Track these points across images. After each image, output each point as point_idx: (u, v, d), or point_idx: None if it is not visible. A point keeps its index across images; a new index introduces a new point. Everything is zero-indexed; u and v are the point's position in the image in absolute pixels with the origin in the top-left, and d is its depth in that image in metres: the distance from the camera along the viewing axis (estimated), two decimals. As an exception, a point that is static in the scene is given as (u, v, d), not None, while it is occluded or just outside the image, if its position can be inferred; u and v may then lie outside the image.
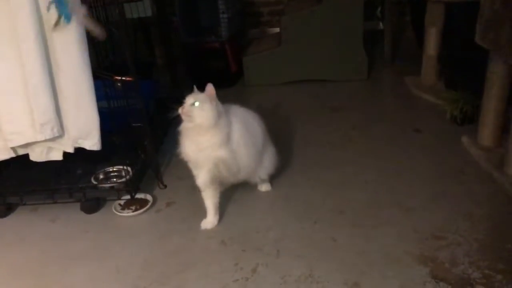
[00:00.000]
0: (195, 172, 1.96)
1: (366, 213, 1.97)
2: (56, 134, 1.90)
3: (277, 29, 3.78)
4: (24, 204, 2.16)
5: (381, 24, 4.11)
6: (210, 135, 1.85)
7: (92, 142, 1.93)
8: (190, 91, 1.87)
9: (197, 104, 1.81)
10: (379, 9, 4.17)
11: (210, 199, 1.97)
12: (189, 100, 1.83)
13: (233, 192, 2.11)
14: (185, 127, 1.87)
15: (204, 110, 1.82)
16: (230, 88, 3.43)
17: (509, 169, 2.03)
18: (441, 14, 2.89)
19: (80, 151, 2.01)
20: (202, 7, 3.35)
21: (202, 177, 1.91)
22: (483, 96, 2.23)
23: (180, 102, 1.82)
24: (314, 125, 2.81)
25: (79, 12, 1.74)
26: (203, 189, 1.95)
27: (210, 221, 1.98)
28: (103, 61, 2.02)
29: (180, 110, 1.82)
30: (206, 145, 1.85)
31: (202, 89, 1.77)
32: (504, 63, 2.06)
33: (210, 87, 1.84)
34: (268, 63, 3.43)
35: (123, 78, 1.88)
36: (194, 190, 2.21)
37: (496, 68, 2.12)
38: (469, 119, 2.54)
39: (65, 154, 2.02)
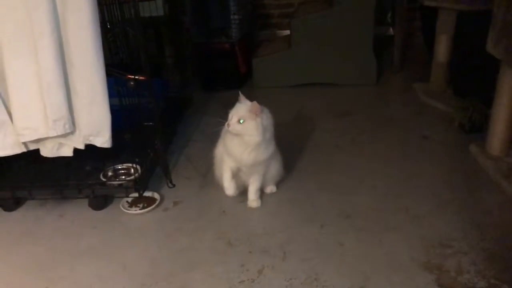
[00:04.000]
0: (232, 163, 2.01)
1: (373, 218, 1.98)
2: (68, 131, 1.91)
3: (287, 32, 3.78)
4: (33, 199, 2.17)
5: (391, 29, 4.11)
6: (262, 150, 1.95)
7: (103, 140, 1.94)
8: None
9: (241, 121, 1.88)
10: (389, 14, 4.17)
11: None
12: (234, 116, 1.89)
13: (240, 194, 2.12)
14: (231, 140, 1.95)
15: (249, 128, 1.89)
16: (239, 89, 3.42)
17: (517, 179, 2.03)
18: (452, 22, 2.88)
19: (89, 148, 2.02)
20: (213, 8, 3.36)
21: (258, 180, 2.06)
22: (493, 105, 2.23)
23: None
24: (322, 129, 2.82)
25: None
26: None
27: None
28: (115, 58, 2.04)
29: (226, 126, 1.89)
30: (260, 159, 1.97)
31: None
32: (515, 73, 2.06)
33: (254, 106, 1.89)
34: (277, 65, 3.44)
35: (136, 77, 1.89)
36: (202, 190, 2.25)
37: (507, 78, 2.12)
38: (477, 127, 2.53)
39: (75, 150, 2.03)
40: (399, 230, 1.89)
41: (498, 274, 1.64)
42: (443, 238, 1.83)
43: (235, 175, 2.05)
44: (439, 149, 2.51)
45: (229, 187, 2.04)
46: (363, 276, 1.68)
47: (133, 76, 1.89)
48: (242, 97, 1.95)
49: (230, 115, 1.90)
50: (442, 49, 3.00)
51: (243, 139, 1.91)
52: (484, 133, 2.36)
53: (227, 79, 3.41)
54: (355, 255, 1.78)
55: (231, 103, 1.96)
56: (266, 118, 1.92)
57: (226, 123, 1.90)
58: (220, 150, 2.09)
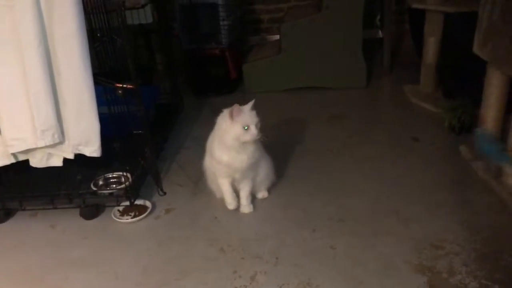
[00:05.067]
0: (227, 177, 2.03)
1: (364, 222, 1.98)
2: (57, 141, 1.90)
3: (277, 36, 3.79)
4: (24, 209, 2.16)
5: (380, 32, 4.13)
6: (256, 147, 1.97)
7: (92, 149, 1.94)
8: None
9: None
10: (378, 17, 4.19)
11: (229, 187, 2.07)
12: (255, 125, 1.88)
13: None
14: (249, 143, 1.92)
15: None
16: (230, 95, 3.44)
17: (507, 179, 2.04)
18: (440, 24, 2.90)
19: (79, 157, 2.01)
20: (203, 14, 3.37)
21: (248, 185, 2.07)
22: (481, 106, 2.25)
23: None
24: (313, 133, 2.82)
25: None
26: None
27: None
28: (103, 67, 2.03)
29: (256, 137, 1.88)
30: (256, 157, 1.99)
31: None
32: (502, 74, 2.07)
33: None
34: (268, 70, 3.44)
35: (125, 85, 1.89)
36: (194, 197, 2.24)
37: (493, 79, 2.13)
38: (467, 128, 2.55)
39: (65, 159, 2.02)
40: (391, 233, 1.90)
41: (489, 274, 1.65)
42: (435, 240, 1.83)
43: (232, 186, 2.06)
44: (429, 151, 2.52)
45: (233, 202, 2.07)
46: (356, 280, 1.68)
47: (121, 85, 1.88)
48: (237, 107, 1.90)
49: (252, 127, 1.87)
50: (430, 51, 3.02)
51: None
52: (474, 134, 2.37)
53: (218, 85, 3.41)
54: (348, 259, 1.78)
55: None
56: None
57: (253, 136, 1.88)
58: (210, 164, 2.09)
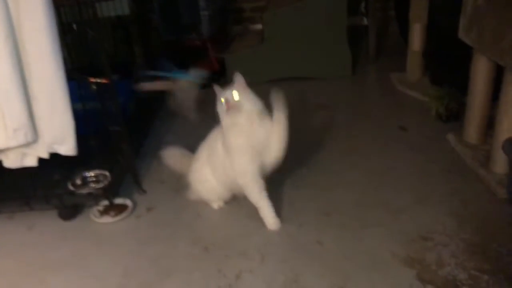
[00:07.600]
0: (253, 162, 1.87)
1: (352, 215, 1.94)
2: (30, 140, 1.82)
3: (260, 26, 3.72)
4: (0, 212, 2.08)
5: (365, 19, 4.07)
6: (267, 119, 1.86)
7: (68, 147, 1.86)
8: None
9: (236, 95, 1.81)
10: (363, 4, 4.14)
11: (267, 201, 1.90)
12: (226, 95, 1.81)
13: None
14: (236, 122, 1.82)
15: (246, 98, 1.83)
16: (212, 87, 3.35)
17: (495, 167, 2.01)
18: (425, 10, 2.85)
19: (56, 156, 1.94)
20: (182, 4, 3.28)
21: (277, 153, 1.90)
22: (468, 93, 2.21)
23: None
24: (298, 124, 2.74)
25: None
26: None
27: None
28: (80, 61, 1.95)
29: (223, 107, 1.78)
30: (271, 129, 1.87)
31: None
32: (488, 60, 2.03)
33: (239, 77, 1.85)
34: (251, 61, 3.37)
35: (98, 80, 1.81)
36: (176, 194, 2.18)
37: (479, 64, 2.09)
38: (454, 116, 2.51)
39: (41, 159, 1.94)
40: (379, 225, 1.86)
41: (478, 264, 1.62)
42: (423, 231, 1.80)
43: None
44: (417, 140, 2.48)
45: (276, 219, 1.89)
46: (344, 275, 1.63)
47: (94, 80, 1.80)
48: (218, 89, 1.88)
49: (222, 100, 1.81)
50: (416, 37, 2.97)
51: (252, 118, 1.83)
52: (461, 121, 2.34)
53: (200, 77, 3.33)
54: (335, 253, 1.74)
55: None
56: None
57: (223, 108, 1.80)
58: (205, 171, 1.98)
